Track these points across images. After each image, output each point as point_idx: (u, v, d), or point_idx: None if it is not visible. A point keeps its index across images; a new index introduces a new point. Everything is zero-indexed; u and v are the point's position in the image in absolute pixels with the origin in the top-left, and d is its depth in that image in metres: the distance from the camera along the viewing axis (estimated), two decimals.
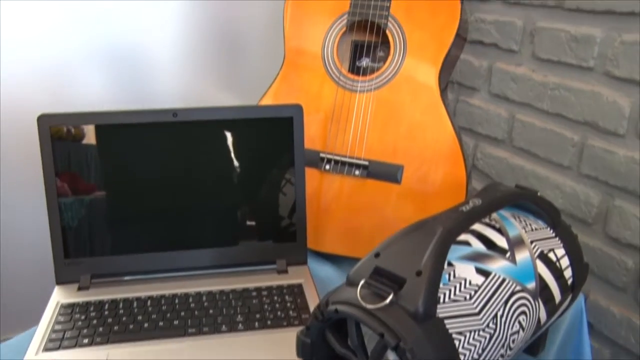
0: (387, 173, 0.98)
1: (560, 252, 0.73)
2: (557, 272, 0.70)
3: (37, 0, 1.09)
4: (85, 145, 0.85)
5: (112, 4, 1.13)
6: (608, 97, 0.89)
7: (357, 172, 0.99)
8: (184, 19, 1.20)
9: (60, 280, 0.85)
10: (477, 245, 0.64)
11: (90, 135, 0.85)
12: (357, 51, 1.05)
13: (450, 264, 0.59)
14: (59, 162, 0.84)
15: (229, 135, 0.88)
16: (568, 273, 0.72)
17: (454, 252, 0.61)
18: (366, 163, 0.98)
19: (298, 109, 0.88)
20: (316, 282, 0.87)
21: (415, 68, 0.97)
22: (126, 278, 0.87)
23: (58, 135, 0.84)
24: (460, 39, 1.02)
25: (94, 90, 1.18)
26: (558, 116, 0.98)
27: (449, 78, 1.08)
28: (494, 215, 0.71)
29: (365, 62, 1.05)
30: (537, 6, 1.00)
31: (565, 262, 0.72)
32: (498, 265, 0.62)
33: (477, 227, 0.68)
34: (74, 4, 1.11)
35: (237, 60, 1.28)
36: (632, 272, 0.88)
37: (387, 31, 0.98)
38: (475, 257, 0.61)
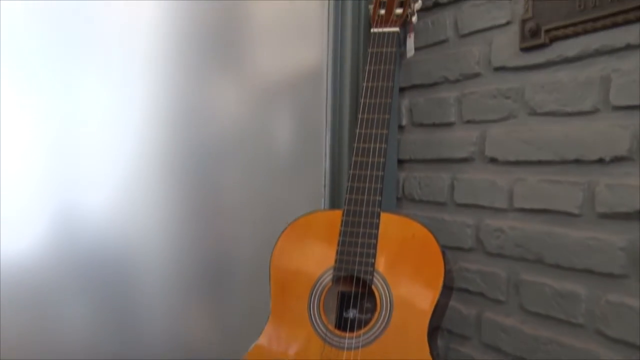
0: None
1: None
2: None
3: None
4: None
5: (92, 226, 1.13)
6: (603, 355, 0.85)
7: None
8: (169, 259, 1.20)
9: None
10: None
11: None
12: (344, 302, 1.02)
13: None
14: None
15: None
16: None
17: None
18: None
19: None
20: None
21: (403, 324, 0.93)
22: None
23: None
24: (447, 289, 1.00)
25: (74, 320, 1.12)
26: None
27: (439, 325, 1.04)
28: None
29: (352, 313, 1.01)
30: (518, 259, 1.00)
31: None
32: None
33: None
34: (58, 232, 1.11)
35: (225, 306, 1.24)
36: None
37: (373, 286, 0.96)
38: None
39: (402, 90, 1.27)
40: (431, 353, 0.92)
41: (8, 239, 1.05)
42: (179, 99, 1.17)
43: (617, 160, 0.84)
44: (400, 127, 1.28)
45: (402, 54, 1.15)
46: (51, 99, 1.07)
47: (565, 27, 0.90)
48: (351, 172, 1.03)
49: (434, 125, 1.19)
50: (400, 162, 1.28)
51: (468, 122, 1.11)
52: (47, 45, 1.05)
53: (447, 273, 0.98)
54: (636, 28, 0.81)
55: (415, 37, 1.15)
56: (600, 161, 0.87)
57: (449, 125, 1.15)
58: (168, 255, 1.19)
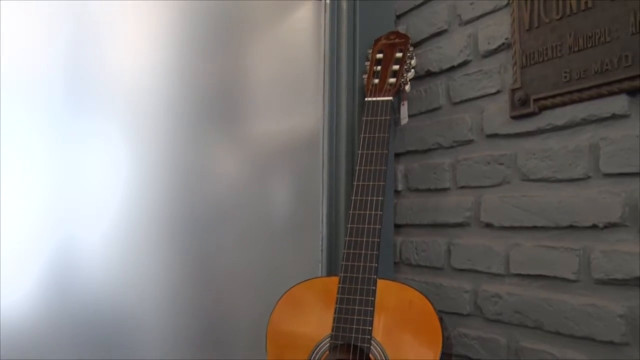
0: None
1: None
2: None
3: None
4: None
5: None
6: None
7: None
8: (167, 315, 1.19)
9: None
10: None
11: None
12: None
13: None
14: None
15: None
16: None
17: None
18: None
19: None
20: None
21: None
22: None
23: None
24: (446, 356, 0.98)
25: None
26: None
27: None
28: None
29: None
30: (518, 325, 0.98)
31: None
32: None
33: None
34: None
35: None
36: None
37: (371, 355, 0.94)
38: None
39: (397, 155, 1.29)
40: None
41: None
42: (179, 162, 1.19)
43: (611, 226, 0.84)
44: (397, 192, 1.29)
45: (397, 120, 1.17)
46: (50, 160, 1.08)
47: (553, 97, 0.92)
48: (347, 238, 1.02)
49: (429, 190, 1.20)
50: (397, 226, 1.29)
51: (463, 187, 1.11)
52: (51, 96, 1.08)
53: (446, 340, 0.96)
54: (620, 99, 0.83)
55: (409, 105, 1.17)
56: (594, 227, 0.87)
57: (444, 190, 1.16)
58: (164, 317, 1.18)
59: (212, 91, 1.23)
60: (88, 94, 1.11)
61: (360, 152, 1.07)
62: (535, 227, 0.96)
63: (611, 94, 0.84)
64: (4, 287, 1.05)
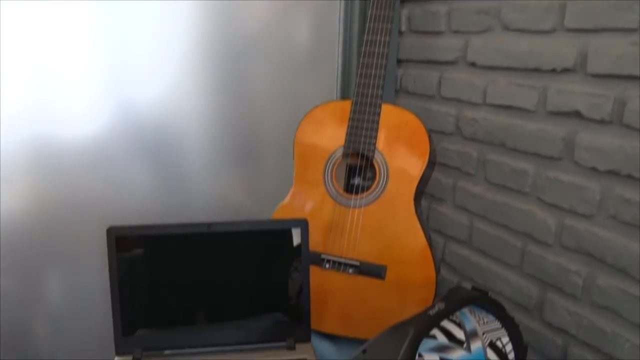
0: (374, 271, 1.15)
1: (505, 339, 0.89)
2: (502, 356, 0.86)
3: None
4: (142, 250, 1.02)
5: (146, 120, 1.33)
6: (539, 216, 1.09)
7: (350, 270, 1.16)
8: (212, 140, 1.40)
9: (119, 352, 1.02)
10: (441, 339, 0.81)
11: (146, 242, 1.02)
12: (351, 172, 1.24)
13: (420, 355, 0.75)
14: (121, 266, 1.01)
15: (251, 242, 1.05)
16: (512, 355, 0.89)
17: (424, 344, 0.78)
18: (357, 263, 1.16)
19: (304, 222, 1.06)
20: (318, 356, 1.03)
21: (396, 190, 1.16)
22: (167, 352, 1.03)
23: (122, 243, 1.01)
24: (431, 163, 1.21)
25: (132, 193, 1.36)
26: (505, 227, 1.17)
27: (424, 190, 1.27)
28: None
29: (357, 180, 1.24)
30: (487, 143, 1.21)
31: (509, 347, 0.89)
32: (457, 355, 0.79)
33: (442, 322, 0.84)
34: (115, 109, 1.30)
35: (258, 172, 1.47)
36: (561, 348, 1.05)
37: (374, 161, 1.17)
38: (439, 349, 0.78)
39: (402, 2, 1.41)
40: (416, 211, 1.16)
41: (83, 124, 1.27)
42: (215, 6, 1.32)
43: (565, 71, 1.02)
44: (400, 33, 1.43)
45: None
46: (110, 14, 1.23)
47: None
48: (360, 70, 1.19)
49: (427, 32, 1.34)
50: (399, 61, 1.45)
51: (455, 32, 1.26)
52: None
53: (432, 151, 1.19)
54: None
55: None
56: (553, 71, 1.04)
57: (439, 33, 1.31)
58: (209, 130, 1.39)
59: None
60: None
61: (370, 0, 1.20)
62: (509, 68, 1.14)
63: None
64: (88, 119, 1.26)
